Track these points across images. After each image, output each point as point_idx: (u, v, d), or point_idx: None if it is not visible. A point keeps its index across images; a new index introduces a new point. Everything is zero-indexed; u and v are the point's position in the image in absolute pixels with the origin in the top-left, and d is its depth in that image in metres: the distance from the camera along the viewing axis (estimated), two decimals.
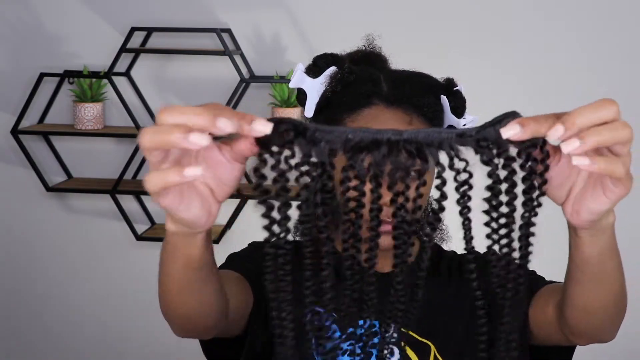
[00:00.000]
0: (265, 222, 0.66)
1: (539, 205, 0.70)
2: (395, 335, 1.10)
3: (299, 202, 0.69)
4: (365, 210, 0.71)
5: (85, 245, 2.84)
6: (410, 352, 1.15)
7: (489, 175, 0.67)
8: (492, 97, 2.57)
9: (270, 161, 0.65)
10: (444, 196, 0.68)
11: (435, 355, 1.16)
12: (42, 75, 2.68)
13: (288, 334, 0.72)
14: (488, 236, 0.70)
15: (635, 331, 2.70)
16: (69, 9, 2.72)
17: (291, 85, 1.07)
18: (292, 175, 0.67)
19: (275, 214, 0.66)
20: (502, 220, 0.69)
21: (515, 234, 0.70)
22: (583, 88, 2.61)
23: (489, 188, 0.68)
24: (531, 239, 0.70)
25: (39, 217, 2.83)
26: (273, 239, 0.67)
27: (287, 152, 0.65)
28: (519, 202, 0.69)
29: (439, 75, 1.20)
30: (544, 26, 2.62)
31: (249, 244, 1.28)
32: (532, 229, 0.70)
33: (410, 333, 1.15)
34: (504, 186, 0.68)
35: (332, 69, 1.10)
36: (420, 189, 0.68)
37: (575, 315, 0.97)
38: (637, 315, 2.67)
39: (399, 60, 1.25)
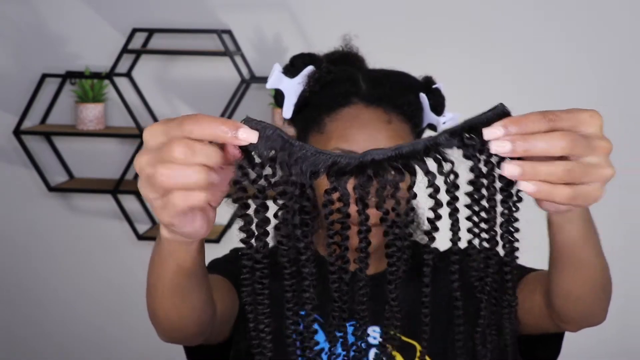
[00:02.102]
0: (243, 235, 0.65)
1: (519, 200, 0.69)
2: (379, 337, 1.10)
3: (277, 222, 0.68)
4: (353, 232, 0.69)
5: (87, 245, 2.85)
6: (395, 353, 1.15)
7: (471, 169, 0.67)
8: (473, 94, 2.56)
9: (251, 174, 0.64)
10: (438, 204, 0.68)
11: (420, 354, 1.15)
12: (44, 76, 2.70)
13: (266, 345, 0.71)
14: (469, 230, 0.70)
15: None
16: (70, 10, 2.73)
17: (268, 85, 1.06)
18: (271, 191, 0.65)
19: (253, 228, 0.66)
20: (484, 215, 0.69)
21: (500, 229, 0.70)
22: (573, 82, 2.60)
23: (471, 183, 0.68)
24: (517, 235, 0.71)
25: (41, 217, 2.85)
26: (249, 251, 0.67)
27: (267, 170, 0.64)
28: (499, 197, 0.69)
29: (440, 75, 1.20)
30: (528, 22, 2.60)
31: (231, 250, 1.28)
32: (516, 224, 0.70)
33: (399, 335, 1.14)
34: (489, 183, 0.68)
35: (310, 68, 1.09)
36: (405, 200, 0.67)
37: (560, 302, 0.97)
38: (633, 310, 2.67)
39: (401, 60, 1.23)
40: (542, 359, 1.21)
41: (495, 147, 0.63)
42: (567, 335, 1.18)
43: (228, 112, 2.67)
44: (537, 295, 1.07)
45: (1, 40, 2.78)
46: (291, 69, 1.09)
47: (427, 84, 1.16)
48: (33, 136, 2.76)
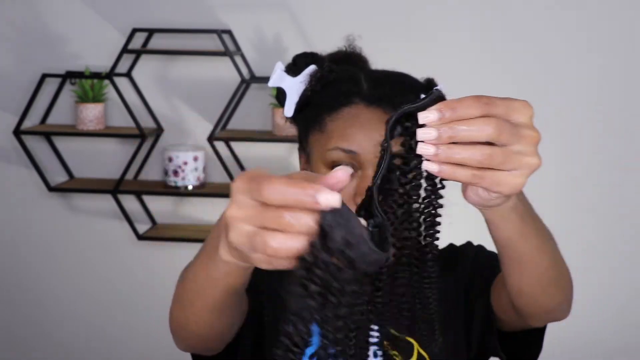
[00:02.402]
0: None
1: (442, 187, 0.72)
2: (377, 335, 1.10)
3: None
4: None
5: (87, 245, 2.85)
6: (394, 352, 1.15)
7: (402, 144, 0.69)
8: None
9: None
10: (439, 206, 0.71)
11: (418, 351, 1.15)
12: (44, 76, 2.70)
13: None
14: (396, 203, 0.72)
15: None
16: (71, 10, 2.73)
17: (270, 84, 1.07)
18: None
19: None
20: (407, 191, 0.71)
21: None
22: (573, 82, 2.60)
23: (402, 158, 0.69)
24: (440, 211, 0.73)
25: (41, 217, 2.85)
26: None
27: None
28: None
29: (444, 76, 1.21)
30: (530, 23, 2.61)
31: None
32: (440, 201, 0.72)
33: (392, 332, 1.15)
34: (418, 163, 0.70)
35: (312, 67, 1.09)
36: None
37: (512, 298, 0.98)
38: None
39: (401, 60, 1.24)
40: (526, 355, 1.21)
41: (422, 135, 0.65)
42: (568, 334, 1.18)
43: (228, 112, 2.68)
44: (503, 294, 1.08)
45: (1, 40, 2.78)
46: (293, 68, 1.09)
47: (428, 85, 1.16)
48: (33, 136, 2.76)
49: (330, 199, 0.55)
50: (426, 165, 0.66)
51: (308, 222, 0.56)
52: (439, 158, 0.65)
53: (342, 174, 0.59)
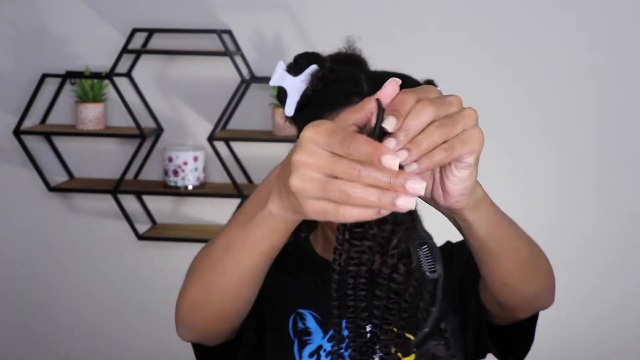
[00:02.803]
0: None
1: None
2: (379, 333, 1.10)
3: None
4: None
5: (87, 245, 2.85)
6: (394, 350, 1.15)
7: None
8: (474, 96, 2.57)
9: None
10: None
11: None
12: (44, 76, 2.70)
13: None
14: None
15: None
16: (71, 10, 2.73)
17: (271, 83, 1.07)
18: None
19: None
20: None
21: None
22: (573, 83, 2.60)
23: None
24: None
25: (41, 217, 2.85)
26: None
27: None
28: None
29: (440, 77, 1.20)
30: (531, 24, 2.61)
31: None
32: None
33: (393, 329, 1.15)
34: None
35: (313, 67, 1.10)
36: None
37: (499, 293, 0.99)
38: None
39: (400, 61, 1.24)
40: (518, 347, 1.21)
41: (389, 159, 0.63)
42: (568, 335, 1.18)
43: (228, 112, 2.68)
44: (487, 290, 1.08)
45: (1, 40, 2.78)
46: (295, 67, 1.10)
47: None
48: (33, 136, 2.76)
49: (418, 188, 0.60)
50: (407, 170, 0.66)
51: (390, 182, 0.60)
52: (412, 157, 0.65)
53: (391, 87, 0.65)
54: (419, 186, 0.60)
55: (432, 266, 0.66)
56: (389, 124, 0.64)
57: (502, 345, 1.19)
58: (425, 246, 0.68)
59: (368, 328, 0.75)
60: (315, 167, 0.62)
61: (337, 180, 0.61)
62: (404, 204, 0.60)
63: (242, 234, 0.80)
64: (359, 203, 0.61)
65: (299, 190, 0.63)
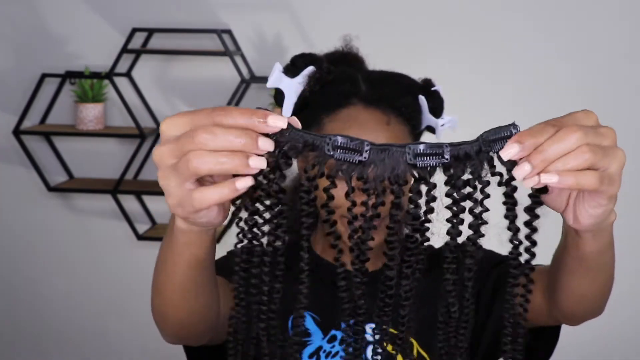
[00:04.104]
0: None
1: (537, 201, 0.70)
2: (377, 334, 1.10)
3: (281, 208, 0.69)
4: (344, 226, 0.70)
5: (87, 245, 2.85)
6: (393, 351, 1.15)
7: (471, 174, 0.67)
8: (472, 96, 2.57)
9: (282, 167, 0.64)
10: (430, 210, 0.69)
11: (418, 351, 1.15)
12: (44, 76, 2.70)
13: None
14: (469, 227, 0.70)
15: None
16: (70, 10, 2.73)
17: (268, 85, 1.06)
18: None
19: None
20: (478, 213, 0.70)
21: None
22: (572, 84, 2.60)
23: (466, 183, 0.67)
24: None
25: (41, 217, 2.85)
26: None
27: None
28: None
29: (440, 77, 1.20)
30: (529, 25, 2.61)
31: (228, 252, 1.28)
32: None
33: (392, 331, 1.14)
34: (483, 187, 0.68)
35: (310, 68, 1.09)
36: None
37: (571, 302, 0.97)
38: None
39: (400, 61, 1.24)
40: (541, 351, 1.21)
41: (519, 173, 0.62)
42: (566, 333, 1.18)
43: None
44: (537, 292, 1.07)
45: (1, 40, 2.78)
46: (292, 69, 1.09)
47: (426, 86, 1.16)
48: (32, 136, 2.76)
49: (278, 122, 0.61)
50: (544, 179, 0.63)
51: (245, 138, 0.61)
52: (536, 169, 0.62)
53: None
54: (281, 122, 0.61)
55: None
56: (507, 153, 0.62)
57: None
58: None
59: (368, 328, 0.75)
60: (170, 153, 0.62)
61: (186, 155, 0.61)
62: (257, 163, 0.60)
63: (169, 250, 0.80)
64: (213, 169, 0.60)
65: (161, 183, 0.64)
